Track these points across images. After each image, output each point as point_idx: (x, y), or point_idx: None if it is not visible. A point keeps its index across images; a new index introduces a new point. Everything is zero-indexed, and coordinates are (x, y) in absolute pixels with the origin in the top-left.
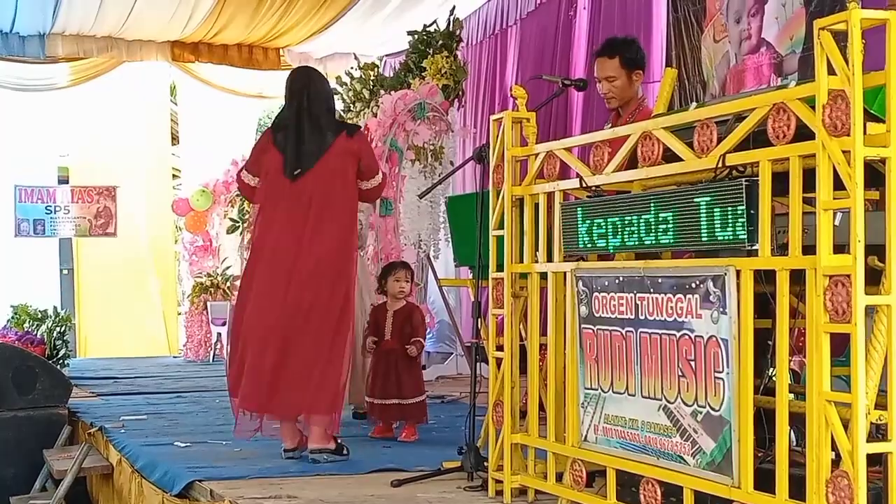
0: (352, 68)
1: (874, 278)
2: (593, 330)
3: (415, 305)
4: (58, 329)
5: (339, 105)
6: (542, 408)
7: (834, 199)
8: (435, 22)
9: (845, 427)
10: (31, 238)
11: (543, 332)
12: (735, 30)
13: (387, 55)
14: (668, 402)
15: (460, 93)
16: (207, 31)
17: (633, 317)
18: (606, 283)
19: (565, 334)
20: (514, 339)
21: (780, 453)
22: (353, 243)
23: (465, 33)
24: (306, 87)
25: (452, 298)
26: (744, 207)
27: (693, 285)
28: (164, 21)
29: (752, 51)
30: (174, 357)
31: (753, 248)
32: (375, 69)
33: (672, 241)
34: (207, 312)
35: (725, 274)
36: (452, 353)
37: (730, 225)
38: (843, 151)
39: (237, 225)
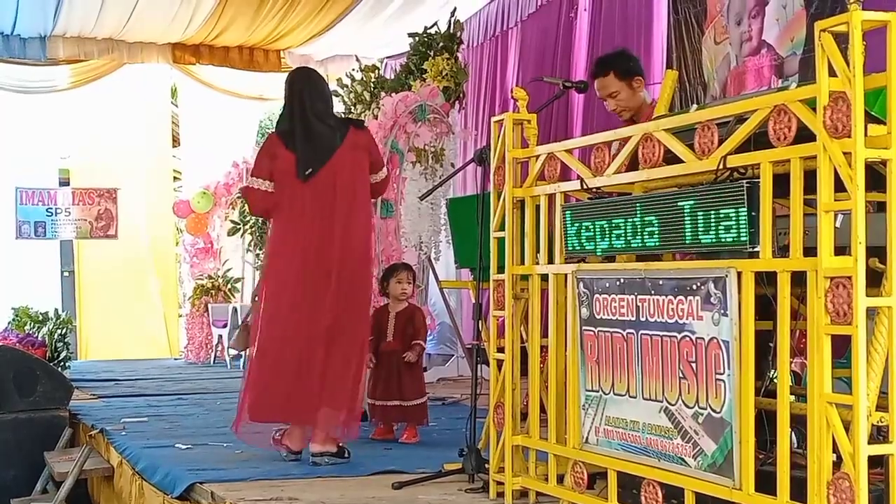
0: (353, 70)
1: (875, 280)
2: (594, 332)
3: (417, 307)
4: (59, 331)
5: (339, 107)
6: (543, 410)
7: (835, 200)
8: (436, 24)
9: (846, 429)
10: (32, 240)
11: (544, 334)
12: (736, 31)
13: (387, 57)
14: (669, 403)
15: (461, 95)
16: (208, 33)
17: (634, 318)
18: (607, 285)
19: (566, 336)
20: (515, 341)
21: (781, 455)
22: (373, 237)
23: (466, 35)
24: (307, 86)
25: (453, 300)
26: (745, 209)
27: (694, 287)
28: (165, 23)
29: (753, 52)
30: (175, 359)
31: (754, 249)
32: (376, 71)
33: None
34: (208, 314)
35: (726, 276)
36: (453, 355)
37: (731, 227)
38: (844, 153)
39: (238, 227)
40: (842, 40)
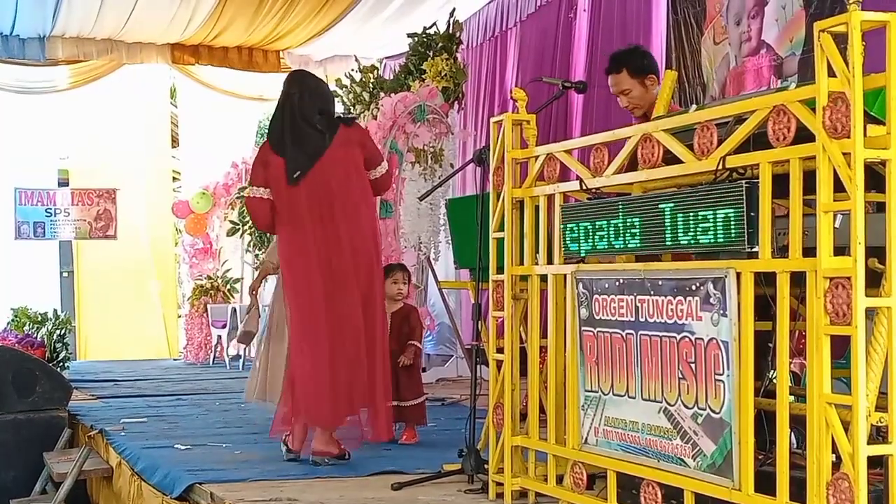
0: (352, 70)
1: (874, 280)
2: (594, 332)
3: (412, 307)
4: (58, 332)
5: (338, 107)
6: (542, 410)
7: (834, 201)
8: (435, 24)
9: (846, 429)
10: (32, 241)
11: (544, 335)
12: (735, 32)
13: (387, 57)
14: (669, 404)
15: (460, 95)
16: (207, 33)
17: (633, 319)
18: (607, 286)
19: (565, 336)
20: (515, 342)
21: (780, 456)
22: (379, 233)
23: (465, 35)
24: (298, 90)
25: (453, 301)
26: (744, 209)
27: (693, 287)
28: (164, 23)
29: (752, 53)
30: (174, 360)
31: (754, 250)
32: (375, 71)
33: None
34: (208, 315)
35: (726, 276)
36: (453, 356)
37: (730, 227)
38: (844, 153)
39: (237, 227)
40: (841, 41)
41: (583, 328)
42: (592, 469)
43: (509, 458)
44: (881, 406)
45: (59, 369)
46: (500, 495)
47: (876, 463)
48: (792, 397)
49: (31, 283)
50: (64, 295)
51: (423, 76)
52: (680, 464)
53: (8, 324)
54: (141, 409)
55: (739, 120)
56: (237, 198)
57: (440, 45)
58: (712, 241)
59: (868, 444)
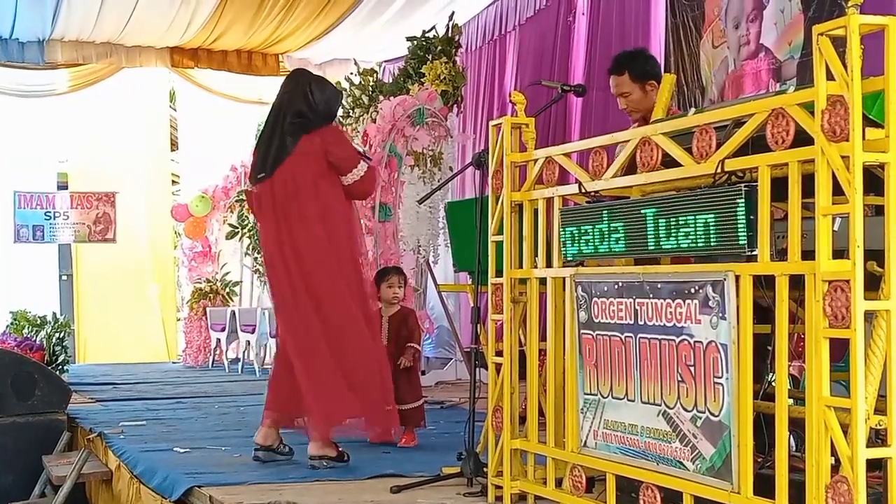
0: (351, 74)
1: (873, 283)
2: (593, 335)
3: (409, 309)
4: (57, 335)
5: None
6: (541, 413)
7: (833, 204)
8: (434, 28)
9: (845, 432)
10: (31, 244)
11: (543, 338)
12: (734, 35)
13: (386, 61)
14: (668, 407)
15: (459, 98)
16: (206, 36)
17: (632, 322)
18: (606, 289)
19: (564, 340)
20: (514, 345)
21: (779, 459)
22: (351, 241)
23: (464, 39)
24: (286, 91)
25: (452, 304)
26: (743, 213)
27: (692, 291)
28: (164, 27)
29: (751, 56)
30: (173, 363)
31: (753, 253)
32: (374, 75)
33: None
34: (206, 318)
35: (725, 279)
36: (452, 359)
37: (729, 230)
38: (842, 157)
39: (236, 230)
40: (840, 44)
41: (582, 331)
42: (592, 472)
43: (508, 461)
44: (880, 409)
45: (58, 372)
46: (499, 498)
47: (875, 466)
48: (791, 400)
49: (31, 287)
50: (63, 298)
51: (422, 80)
52: (679, 467)
53: (7, 327)
54: (140, 412)
55: (738, 123)
56: (236, 201)
57: (439, 48)
58: (711, 244)
59: (867, 447)
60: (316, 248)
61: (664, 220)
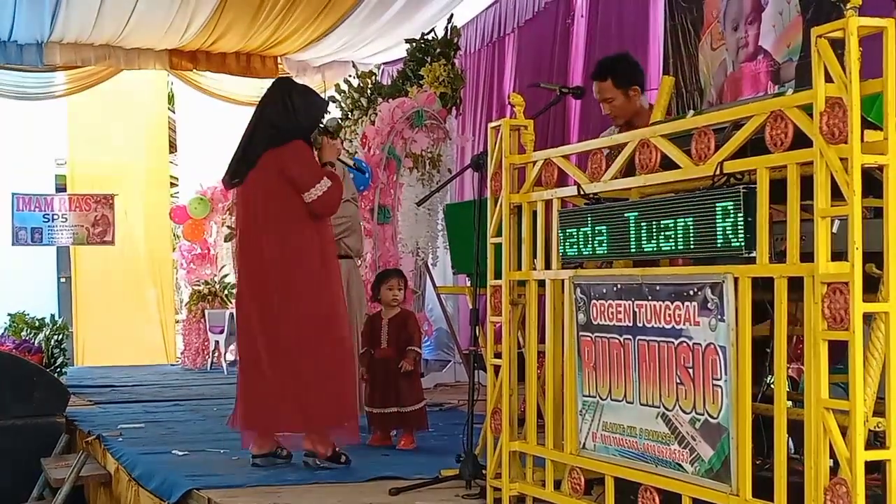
0: (350, 76)
1: (872, 286)
2: (591, 337)
3: (409, 312)
4: (55, 337)
5: (336, 113)
6: (540, 415)
7: (831, 206)
8: (433, 30)
9: (844, 434)
10: (29, 246)
11: (542, 340)
12: (732, 37)
13: (384, 63)
14: (667, 409)
15: (458, 101)
16: (205, 39)
17: (631, 324)
18: (604, 291)
19: (563, 342)
20: (512, 347)
21: (778, 461)
22: (303, 257)
23: (463, 41)
24: (266, 100)
25: (450, 306)
26: (742, 215)
27: (691, 293)
28: (162, 29)
29: (750, 58)
30: (172, 365)
31: (751, 255)
32: (373, 77)
33: (675, 248)
34: (205, 320)
35: (723, 281)
36: (450, 361)
37: (728, 232)
38: (841, 159)
39: (235, 233)
40: (838, 46)
41: (581, 333)
42: (590, 474)
43: (507, 463)
44: (879, 411)
45: (56, 375)
46: (497, 501)
47: (873, 468)
48: (790, 402)
49: (29, 289)
50: (61, 300)
51: (420, 82)
52: (678, 469)
53: (5, 329)
54: (138, 414)
55: (737, 125)
56: (234, 203)
57: (438, 50)
58: (710, 246)
59: (866, 449)
60: (271, 262)
61: (659, 223)
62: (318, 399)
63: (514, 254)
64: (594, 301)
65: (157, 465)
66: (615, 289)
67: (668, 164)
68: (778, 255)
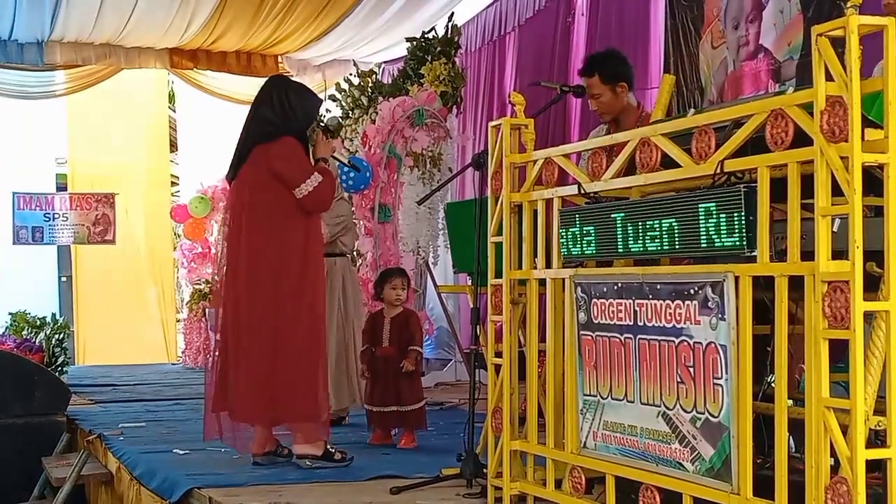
0: (350, 75)
1: (873, 284)
2: (592, 336)
3: (411, 311)
4: (56, 336)
5: (337, 112)
6: (541, 414)
7: (832, 205)
8: (433, 29)
9: (844, 433)
10: (30, 245)
11: (542, 339)
12: (733, 36)
13: (385, 62)
14: (667, 408)
15: (459, 99)
16: (206, 38)
17: (631, 323)
18: (605, 290)
19: (564, 341)
20: (513, 346)
21: (779, 460)
22: (290, 253)
23: (464, 40)
24: (260, 97)
25: (451, 305)
26: (742, 214)
27: (692, 292)
28: (163, 28)
29: (750, 57)
30: (173, 364)
31: (752, 254)
32: (373, 76)
33: (671, 247)
34: (206, 319)
35: (724, 280)
36: (451, 360)
37: (729, 231)
38: (842, 157)
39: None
40: (839, 45)
41: (581, 332)
42: (591, 473)
43: (508, 462)
44: (879, 410)
45: (57, 374)
46: (498, 500)
47: (874, 466)
48: (790, 401)
49: (30, 288)
50: (62, 299)
51: (421, 80)
52: (679, 468)
53: (6, 328)
54: (139, 413)
55: (737, 124)
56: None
57: (438, 49)
58: (711, 245)
59: (866, 447)
60: (254, 256)
61: (661, 222)
62: (290, 394)
63: (514, 253)
64: (595, 300)
65: (159, 463)
66: (616, 288)
67: (668, 162)
68: (778, 254)
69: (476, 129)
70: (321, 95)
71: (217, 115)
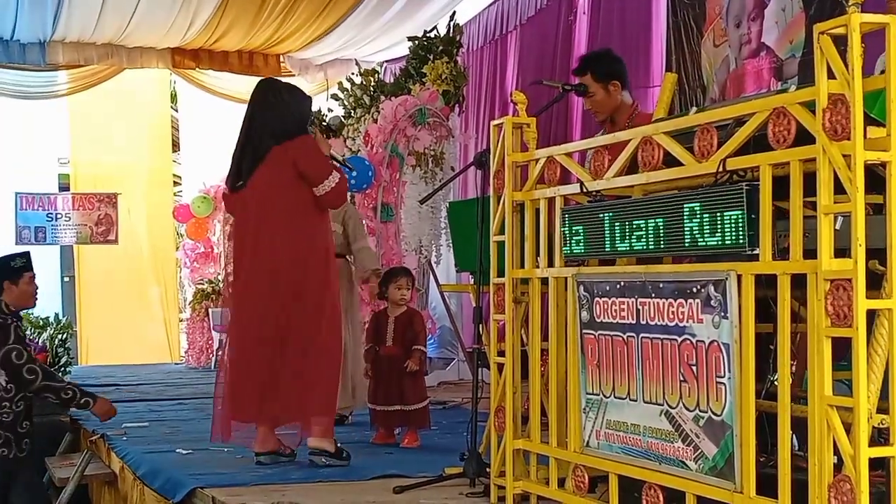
0: (352, 74)
1: (875, 282)
2: (595, 335)
3: (415, 311)
4: (59, 336)
5: (339, 111)
6: (543, 413)
7: (835, 203)
8: (435, 28)
9: (847, 431)
10: (33, 245)
11: (545, 338)
12: (735, 34)
13: (387, 61)
14: (670, 407)
15: (461, 98)
16: (208, 37)
17: (634, 322)
18: (608, 289)
19: (567, 339)
20: (516, 345)
21: (782, 458)
22: (314, 251)
23: (466, 39)
24: (256, 101)
25: (454, 304)
26: (745, 212)
27: (694, 290)
28: (165, 28)
29: (752, 55)
30: (176, 364)
31: (754, 252)
32: (376, 75)
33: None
34: (209, 319)
35: (726, 278)
36: (454, 359)
37: (731, 230)
38: (844, 155)
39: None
40: (841, 43)
41: (584, 331)
42: (594, 472)
43: (511, 461)
44: (882, 408)
45: (60, 374)
46: (501, 499)
47: (877, 465)
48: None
49: None
50: (65, 299)
51: (423, 80)
52: (681, 466)
53: None
54: (142, 413)
55: (739, 122)
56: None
57: (440, 48)
58: (713, 243)
59: (870, 446)
60: (281, 256)
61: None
62: (314, 390)
63: (517, 251)
64: (597, 299)
65: (162, 463)
66: (618, 286)
67: (671, 161)
68: (781, 252)
69: (478, 127)
70: (323, 95)
71: (219, 114)
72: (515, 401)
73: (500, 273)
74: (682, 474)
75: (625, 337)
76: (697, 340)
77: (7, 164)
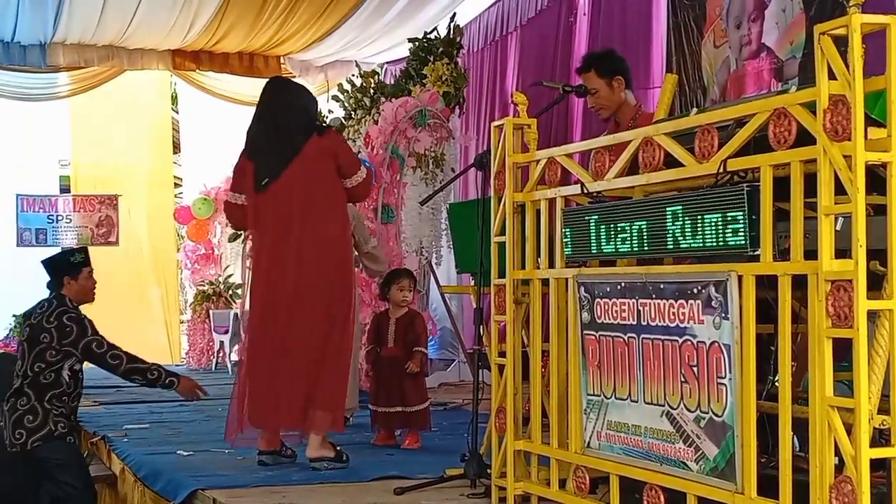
0: (353, 76)
1: (876, 283)
2: (595, 336)
3: (416, 312)
4: None
5: (339, 112)
6: (544, 414)
7: (835, 204)
8: (435, 29)
9: (848, 432)
10: (34, 247)
11: (546, 339)
12: (735, 35)
13: (387, 62)
14: (671, 407)
15: (461, 100)
16: (208, 39)
17: (635, 323)
18: (608, 290)
19: (567, 340)
20: (517, 346)
21: (783, 459)
22: (348, 242)
23: (466, 40)
24: (272, 98)
25: (454, 305)
26: (745, 213)
27: (695, 291)
28: (165, 30)
29: (753, 56)
30: (177, 365)
31: (755, 253)
32: (376, 77)
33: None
34: (210, 320)
35: (727, 279)
36: (455, 360)
37: (732, 230)
38: (845, 156)
39: (239, 233)
40: (841, 43)
41: (585, 332)
42: (595, 473)
43: (512, 462)
44: (883, 409)
45: None
46: (502, 500)
47: (878, 465)
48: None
49: (34, 290)
50: None
51: (423, 81)
52: (682, 467)
53: (10, 331)
54: (143, 415)
55: (740, 123)
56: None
57: (441, 49)
58: (714, 244)
59: (870, 446)
60: (323, 246)
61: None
62: (330, 387)
63: (517, 253)
64: (598, 300)
65: (163, 465)
66: (619, 287)
67: (671, 162)
68: (782, 253)
69: (478, 129)
70: (324, 96)
71: (220, 116)
72: (516, 402)
73: (501, 274)
74: (683, 475)
75: (626, 338)
76: (698, 341)
77: (8, 166)
